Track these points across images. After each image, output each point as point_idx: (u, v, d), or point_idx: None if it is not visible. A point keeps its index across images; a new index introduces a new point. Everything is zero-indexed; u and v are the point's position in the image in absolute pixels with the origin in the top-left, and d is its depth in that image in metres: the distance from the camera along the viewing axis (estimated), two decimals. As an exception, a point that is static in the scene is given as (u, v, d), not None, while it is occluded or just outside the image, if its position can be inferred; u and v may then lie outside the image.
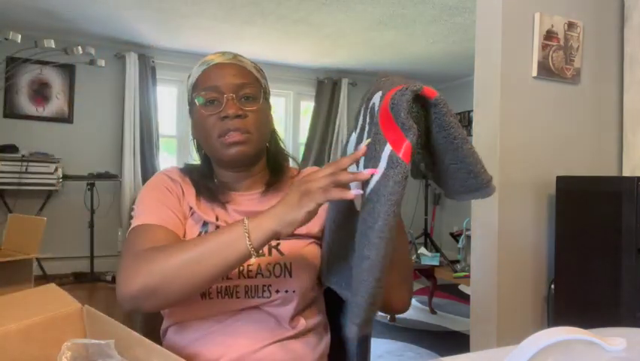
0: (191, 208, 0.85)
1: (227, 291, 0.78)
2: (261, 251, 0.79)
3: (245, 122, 0.83)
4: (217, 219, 0.84)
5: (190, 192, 0.87)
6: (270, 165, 0.93)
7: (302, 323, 0.82)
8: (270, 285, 0.78)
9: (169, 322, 0.85)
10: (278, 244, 0.81)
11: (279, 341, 0.79)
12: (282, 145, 0.96)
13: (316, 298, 0.88)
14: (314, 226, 0.84)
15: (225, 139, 0.82)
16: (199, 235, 0.83)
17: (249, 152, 0.84)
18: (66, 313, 0.60)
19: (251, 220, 0.65)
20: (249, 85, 0.85)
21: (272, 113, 0.93)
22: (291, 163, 0.98)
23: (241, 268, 0.78)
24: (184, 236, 0.83)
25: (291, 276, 0.78)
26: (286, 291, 0.78)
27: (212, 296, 0.78)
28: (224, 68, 0.85)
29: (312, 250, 0.84)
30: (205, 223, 0.84)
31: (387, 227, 0.59)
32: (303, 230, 0.81)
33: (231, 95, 0.82)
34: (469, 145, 0.64)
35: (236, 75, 0.85)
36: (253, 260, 0.78)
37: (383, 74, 0.72)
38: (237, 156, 0.83)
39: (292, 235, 0.80)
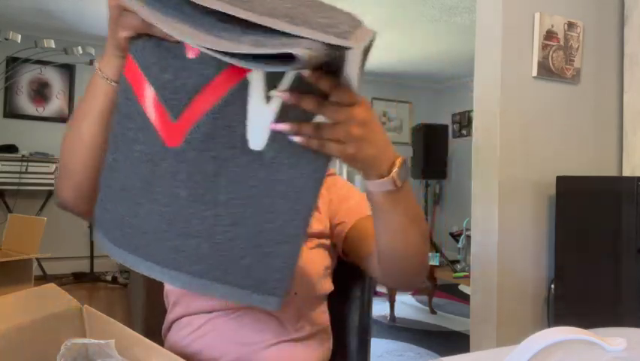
0: None
1: None
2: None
3: None
4: None
5: None
6: None
7: (305, 327, 0.82)
8: None
9: (171, 318, 0.85)
10: None
11: (281, 342, 0.79)
12: None
13: (321, 302, 0.87)
14: (313, 223, 0.84)
15: None
16: None
17: None
18: (65, 313, 0.60)
19: (100, 62, 0.64)
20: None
21: None
22: None
23: None
24: None
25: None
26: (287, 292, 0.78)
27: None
28: None
29: (317, 254, 0.83)
30: None
31: None
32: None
33: None
34: None
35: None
36: None
37: None
38: None
39: None
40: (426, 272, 0.75)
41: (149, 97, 0.56)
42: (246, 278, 0.58)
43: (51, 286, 0.67)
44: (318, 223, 0.85)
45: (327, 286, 0.87)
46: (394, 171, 0.57)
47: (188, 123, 0.55)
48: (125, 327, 0.57)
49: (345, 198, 0.89)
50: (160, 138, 0.56)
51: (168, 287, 0.86)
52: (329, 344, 0.89)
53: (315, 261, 0.82)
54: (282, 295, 0.59)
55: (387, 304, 3.38)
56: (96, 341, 0.53)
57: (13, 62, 4.06)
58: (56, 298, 0.63)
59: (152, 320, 0.94)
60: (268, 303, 0.59)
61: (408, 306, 3.71)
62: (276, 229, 0.57)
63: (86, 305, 0.64)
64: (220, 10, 0.45)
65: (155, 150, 0.56)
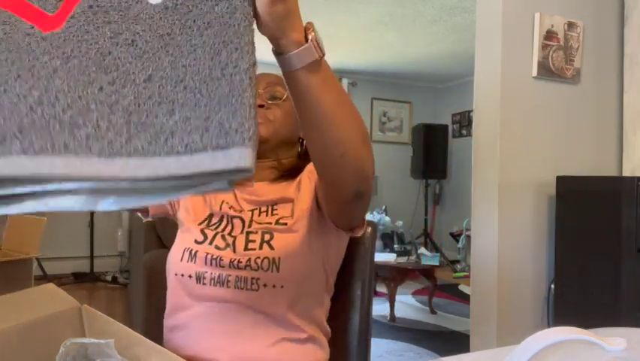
0: None
1: (220, 279, 0.79)
2: (251, 246, 0.80)
3: (266, 112, 0.88)
4: (222, 205, 0.87)
5: None
6: (293, 169, 0.93)
7: (303, 328, 0.81)
8: (259, 278, 0.78)
9: (169, 321, 0.85)
10: (271, 238, 0.80)
11: (278, 342, 0.79)
12: None
13: (317, 304, 0.86)
14: (300, 214, 0.83)
15: None
16: (205, 219, 0.87)
17: (263, 134, 0.86)
18: (64, 313, 0.60)
19: None
20: (280, 85, 0.91)
21: None
22: None
23: (232, 258, 0.79)
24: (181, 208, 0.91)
25: (278, 271, 0.77)
26: (274, 286, 0.77)
27: (206, 283, 0.80)
28: (263, 75, 0.92)
29: (308, 250, 0.82)
30: (210, 215, 0.88)
31: None
32: (289, 220, 0.82)
33: (260, 90, 0.89)
34: None
35: (270, 78, 0.92)
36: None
37: None
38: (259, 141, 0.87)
39: (286, 229, 0.81)
40: (371, 169, 0.67)
41: (19, 4, 0.47)
42: (191, 135, 0.45)
43: (50, 286, 0.67)
44: (302, 203, 0.84)
45: (323, 281, 0.86)
46: (312, 35, 0.55)
47: (69, 7, 0.48)
48: (125, 326, 0.57)
49: None
50: (36, 31, 0.46)
51: (169, 288, 0.87)
52: (326, 350, 0.88)
53: (303, 257, 0.81)
54: (253, 142, 0.46)
55: (387, 305, 3.37)
56: (95, 340, 0.53)
57: (13, 62, 4.06)
58: (55, 298, 0.63)
59: (152, 320, 0.94)
60: (241, 159, 0.45)
61: (408, 306, 3.71)
62: (208, 63, 0.47)
63: (85, 305, 0.64)
64: None
65: (31, 46, 0.46)
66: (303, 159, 0.95)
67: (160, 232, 3.18)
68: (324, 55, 0.56)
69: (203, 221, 0.87)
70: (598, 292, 1.88)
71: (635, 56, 2.22)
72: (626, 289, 1.78)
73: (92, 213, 4.24)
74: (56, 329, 0.58)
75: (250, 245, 0.80)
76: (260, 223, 0.83)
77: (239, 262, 0.79)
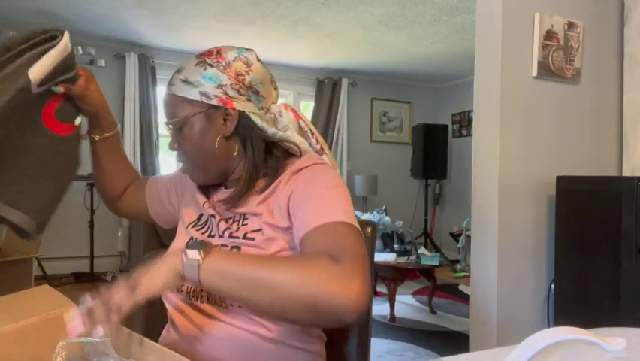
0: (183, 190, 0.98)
1: (195, 293, 0.81)
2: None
3: (180, 154, 0.85)
4: (204, 204, 0.89)
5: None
6: (255, 172, 0.84)
7: (279, 341, 0.79)
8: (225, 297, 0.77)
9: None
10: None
11: (254, 356, 0.78)
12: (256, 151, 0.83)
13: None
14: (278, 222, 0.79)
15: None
16: (195, 220, 0.90)
17: (196, 178, 0.87)
18: (60, 314, 0.60)
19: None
20: (174, 114, 0.82)
21: (226, 125, 0.81)
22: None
23: None
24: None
25: None
26: (239, 306, 0.76)
27: (183, 294, 0.82)
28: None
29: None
30: (200, 215, 0.90)
31: None
32: (258, 235, 0.78)
33: (169, 126, 0.84)
34: None
35: (167, 104, 0.84)
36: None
37: None
38: (194, 182, 0.90)
39: (253, 244, 0.78)
40: (345, 304, 0.57)
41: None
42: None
43: (45, 287, 0.67)
44: (269, 216, 0.79)
45: None
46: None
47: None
48: (121, 325, 0.56)
49: (303, 201, 0.76)
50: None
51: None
52: (318, 352, 0.87)
53: None
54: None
55: (387, 305, 3.37)
56: (92, 339, 0.52)
57: (12, 62, 4.05)
58: (50, 299, 0.63)
59: (152, 320, 0.94)
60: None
61: (408, 306, 3.70)
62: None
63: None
64: None
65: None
66: (254, 153, 0.84)
67: (160, 232, 3.17)
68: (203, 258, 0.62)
69: (193, 222, 0.90)
70: (598, 292, 1.88)
71: (635, 56, 2.22)
72: (626, 289, 1.78)
73: (92, 213, 4.23)
74: (52, 330, 0.58)
75: None
76: (232, 232, 0.82)
77: None
